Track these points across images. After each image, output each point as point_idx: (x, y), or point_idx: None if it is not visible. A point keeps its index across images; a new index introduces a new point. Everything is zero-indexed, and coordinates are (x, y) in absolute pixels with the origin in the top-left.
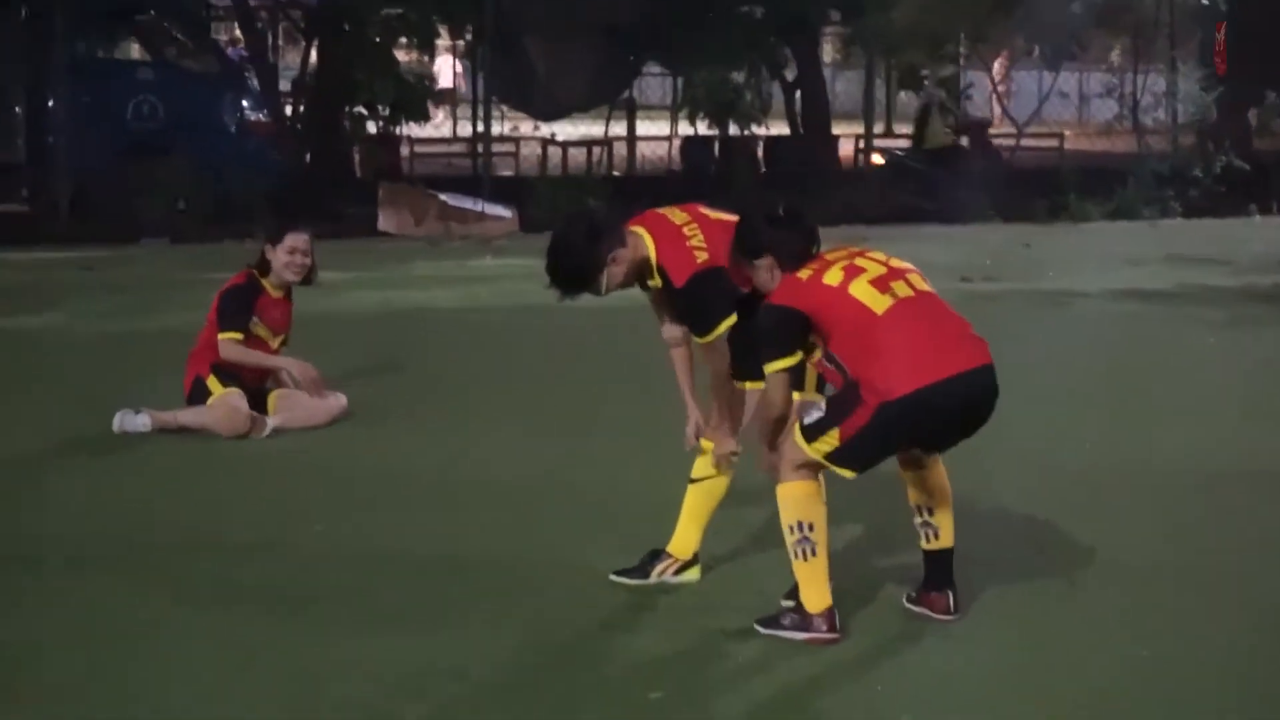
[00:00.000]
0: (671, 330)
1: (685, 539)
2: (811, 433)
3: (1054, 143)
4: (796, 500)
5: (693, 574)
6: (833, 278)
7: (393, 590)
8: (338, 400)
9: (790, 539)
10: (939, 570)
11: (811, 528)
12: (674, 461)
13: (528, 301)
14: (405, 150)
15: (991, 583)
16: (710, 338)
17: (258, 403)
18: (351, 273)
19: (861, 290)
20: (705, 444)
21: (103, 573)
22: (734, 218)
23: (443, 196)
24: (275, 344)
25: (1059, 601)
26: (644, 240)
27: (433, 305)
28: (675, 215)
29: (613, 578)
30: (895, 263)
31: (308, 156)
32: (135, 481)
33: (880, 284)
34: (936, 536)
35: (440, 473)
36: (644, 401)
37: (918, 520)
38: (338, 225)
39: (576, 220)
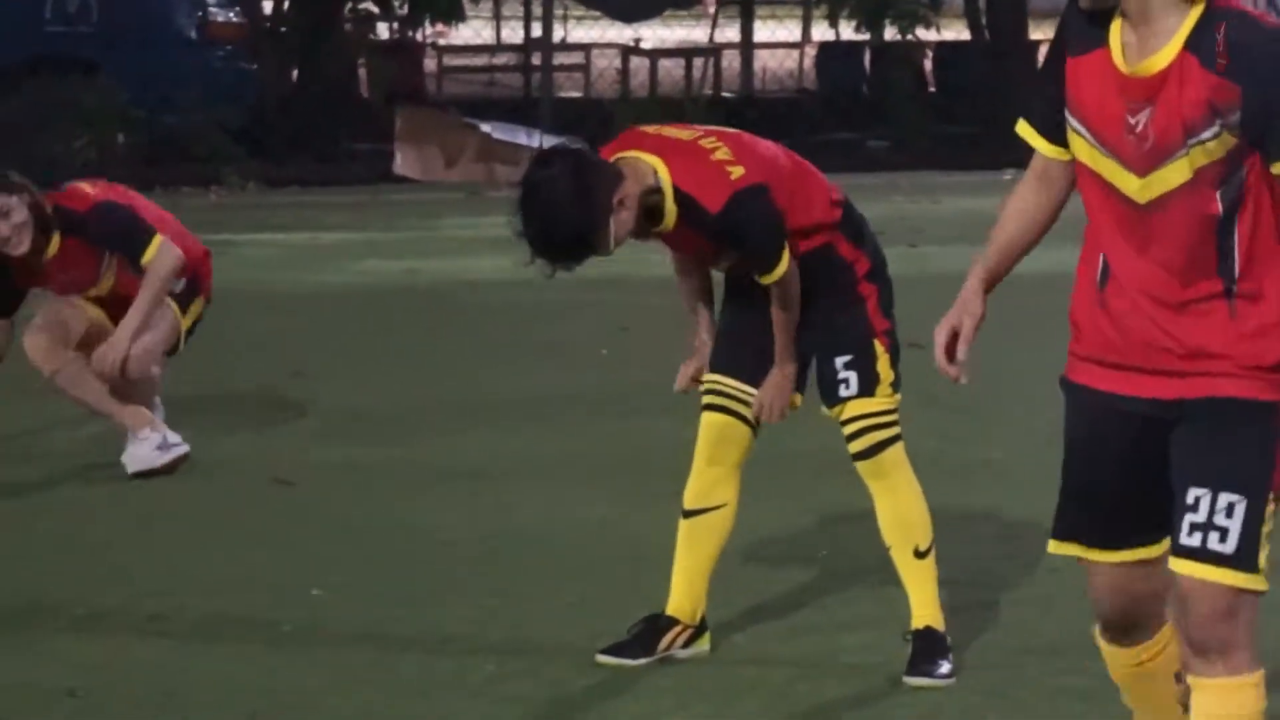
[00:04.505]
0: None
1: (687, 597)
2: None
3: None
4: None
5: (702, 645)
6: None
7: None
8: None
9: None
10: None
11: None
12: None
13: (601, 272)
14: (431, 63)
15: None
16: (780, 271)
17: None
18: (359, 233)
19: None
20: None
21: None
22: (736, 131)
23: (484, 127)
24: (91, 309)
25: None
26: (646, 164)
27: (471, 277)
28: (671, 131)
29: (601, 659)
30: None
31: (295, 73)
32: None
33: None
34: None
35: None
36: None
37: (1179, 687)
38: (337, 167)
39: (556, 165)
